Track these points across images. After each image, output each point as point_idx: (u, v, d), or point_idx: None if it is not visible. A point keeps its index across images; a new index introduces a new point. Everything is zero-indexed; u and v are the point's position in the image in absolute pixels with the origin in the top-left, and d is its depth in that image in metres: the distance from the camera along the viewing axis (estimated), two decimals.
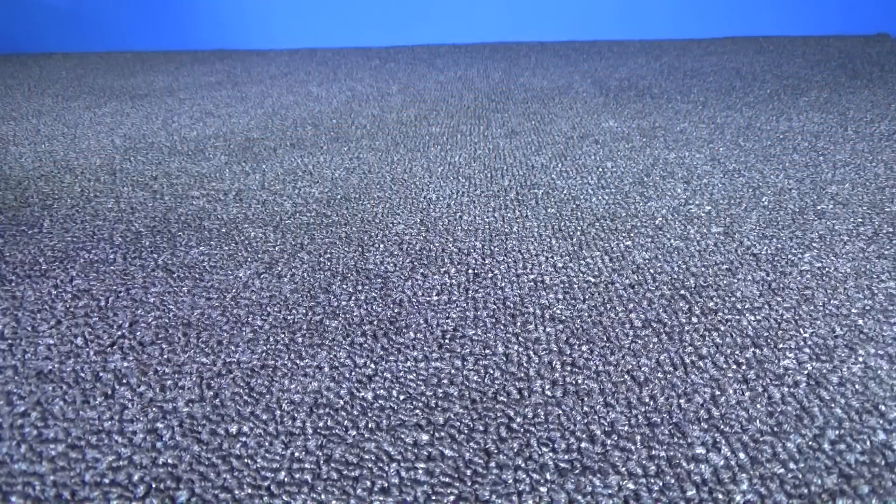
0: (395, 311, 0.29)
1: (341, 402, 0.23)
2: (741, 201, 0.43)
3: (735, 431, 0.21)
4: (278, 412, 0.22)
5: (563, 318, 0.28)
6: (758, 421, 0.21)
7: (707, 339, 0.26)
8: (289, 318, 0.28)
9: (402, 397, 0.23)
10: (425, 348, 0.26)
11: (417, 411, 0.22)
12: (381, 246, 0.36)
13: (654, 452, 0.20)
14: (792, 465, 0.20)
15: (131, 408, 0.23)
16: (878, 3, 1.48)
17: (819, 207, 0.41)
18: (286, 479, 0.19)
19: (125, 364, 0.25)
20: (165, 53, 1.36)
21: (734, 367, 0.24)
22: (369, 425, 0.22)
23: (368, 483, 0.19)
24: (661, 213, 0.41)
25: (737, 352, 0.25)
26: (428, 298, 0.30)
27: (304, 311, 0.29)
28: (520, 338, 0.27)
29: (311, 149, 0.58)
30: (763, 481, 0.19)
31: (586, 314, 0.29)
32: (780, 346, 0.26)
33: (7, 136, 0.64)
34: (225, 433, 0.21)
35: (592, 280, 0.32)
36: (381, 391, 0.23)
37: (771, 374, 0.24)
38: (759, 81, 0.89)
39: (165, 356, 0.26)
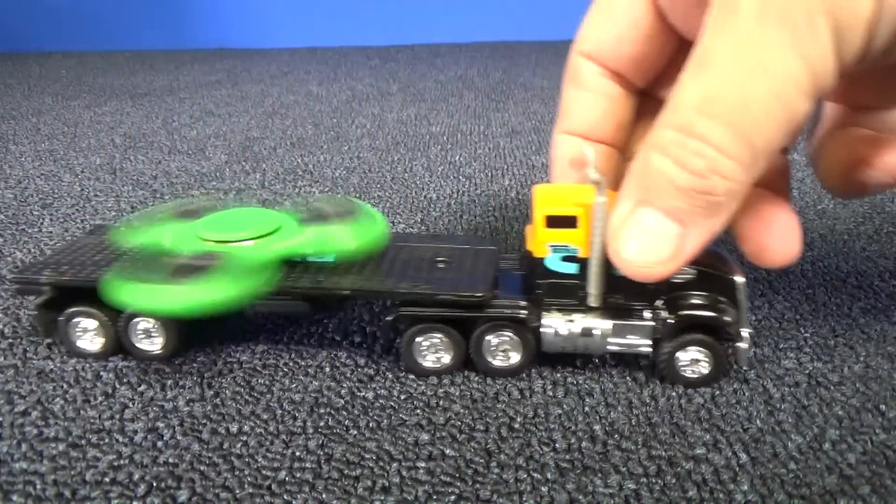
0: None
1: (342, 402, 0.23)
2: None
3: (735, 431, 0.21)
4: (279, 411, 0.22)
5: None
6: (758, 420, 0.21)
7: None
8: (290, 316, 0.28)
9: (402, 397, 0.23)
10: None
11: (418, 411, 0.22)
12: None
13: (654, 452, 0.20)
14: (792, 465, 0.20)
15: (132, 407, 0.23)
16: None
17: (819, 207, 0.41)
18: (287, 479, 0.19)
19: (126, 363, 0.25)
20: (165, 52, 1.36)
21: (735, 366, 0.24)
22: (370, 424, 0.22)
23: (369, 482, 0.19)
24: None
25: None
26: None
27: None
28: None
29: (311, 148, 0.58)
30: (764, 481, 0.19)
31: None
32: (781, 345, 0.26)
33: (7, 135, 0.64)
34: (226, 432, 0.21)
35: None
36: (382, 391, 0.23)
37: (771, 373, 0.24)
38: None
39: None
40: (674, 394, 0.23)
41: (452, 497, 0.19)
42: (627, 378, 0.24)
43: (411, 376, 0.24)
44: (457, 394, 0.23)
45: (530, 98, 0.79)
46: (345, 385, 0.24)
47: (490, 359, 0.24)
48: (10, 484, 0.19)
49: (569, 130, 0.24)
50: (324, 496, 0.19)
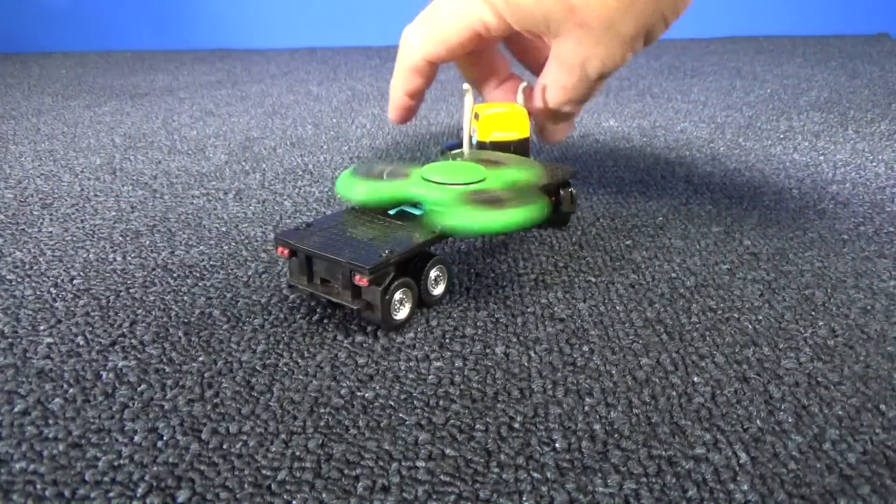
0: None
1: (342, 402, 0.23)
2: (742, 200, 0.43)
3: (735, 430, 0.21)
4: (279, 411, 0.22)
5: (563, 317, 0.28)
6: (758, 420, 0.21)
7: (707, 338, 0.26)
8: (289, 317, 0.28)
9: (402, 397, 0.23)
10: (426, 348, 0.26)
11: (418, 411, 0.22)
12: None
13: (654, 452, 0.20)
14: (792, 465, 0.20)
15: (132, 407, 0.23)
16: (878, 3, 1.48)
17: (819, 207, 0.41)
18: (287, 479, 0.19)
19: (126, 363, 0.25)
20: (165, 52, 1.36)
21: (735, 366, 0.24)
22: (370, 424, 0.22)
23: (369, 482, 0.19)
24: (662, 212, 0.41)
25: (737, 351, 0.26)
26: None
27: (304, 311, 0.29)
28: (520, 337, 0.27)
29: (311, 148, 0.58)
30: (764, 481, 0.19)
31: (587, 314, 0.29)
32: (781, 345, 0.26)
33: (7, 135, 0.64)
34: (225, 432, 0.21)
35: (593, 279, 0.32)
36: (382, 390, 0.23)
37: (771, 373, 0.24)
38: (760, 81, 0.89)
39: (167, 355, 0.26)
40: (674, 393, 0.23)
41: (452, 497, 0.19)
42: (627, 378, 0.24)
43: (411, 376, 0.24)
44: (457, 394, 0.23)
45: None
46: (344, 385, 0.24)
47: None
48: (9, 484, 0.19)
49: (409, 94, 0.38)
50: (324, 496, 0.19)
